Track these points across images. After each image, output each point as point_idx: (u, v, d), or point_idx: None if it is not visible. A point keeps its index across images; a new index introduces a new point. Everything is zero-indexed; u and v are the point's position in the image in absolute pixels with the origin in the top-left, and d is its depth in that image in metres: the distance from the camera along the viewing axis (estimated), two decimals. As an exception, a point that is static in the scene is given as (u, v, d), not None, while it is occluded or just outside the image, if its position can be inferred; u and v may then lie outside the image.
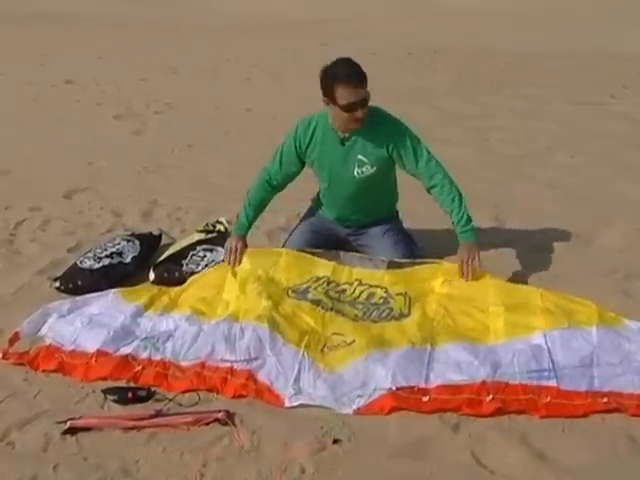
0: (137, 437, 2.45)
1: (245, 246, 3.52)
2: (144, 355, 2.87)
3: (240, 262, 3.43)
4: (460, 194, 3.36)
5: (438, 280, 3.22)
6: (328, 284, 3.26)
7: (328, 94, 3.30)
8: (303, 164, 3.60)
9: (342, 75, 3.24)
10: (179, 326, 3.02)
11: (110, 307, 3.18)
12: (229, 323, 2.96)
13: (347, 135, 3.43)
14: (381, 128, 3.41)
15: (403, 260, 3.41)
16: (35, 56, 12.10)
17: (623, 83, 8.92)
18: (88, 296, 3.29)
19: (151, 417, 2.52)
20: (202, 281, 3.40)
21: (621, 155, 5.78)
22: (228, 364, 2.76)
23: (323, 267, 3.36)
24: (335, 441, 2.39)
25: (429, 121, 6.62)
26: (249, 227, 3.61)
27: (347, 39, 14.00)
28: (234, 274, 3.35)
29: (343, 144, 3.45)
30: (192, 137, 6.78)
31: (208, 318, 3.07)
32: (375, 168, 3.47)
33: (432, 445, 2.39)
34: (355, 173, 3.47)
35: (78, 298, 3.29)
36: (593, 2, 18.17)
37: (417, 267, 3.33)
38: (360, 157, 3.44)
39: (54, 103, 8.62)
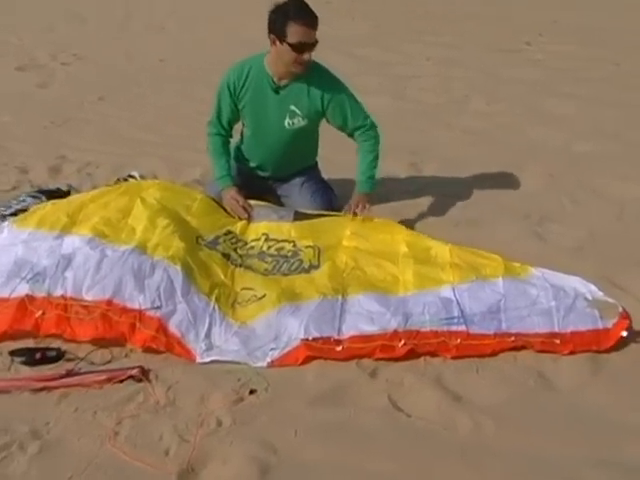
0: (47, 398, 2.39)
1: (242, 194, 3.43)
2: (42, 293, 2.73)
3: (250, 215, 3.36)
4: (378, 155, 3.46)
5: (346, 232, 3.23)
6: (237, 242, 3.22)
7: (278, 31, 3.21)
8: None
9: (298, 13, 3.19)
10: (79, 248, 2.89)
11: (6, 242, 3.03)
12: (138, 255, 2.86)
13: (283, 83, 3.38)
14: (318, 82, 3.37)
15: (309, 212, 3.40)
16: None
17: (539, 30, 9.06)
18: None
19: (62, 377, 2.45)
20: (105, 199, 3.27)
21: (536, 102, 5.89)
22: (136, 306, 2.69)
23: (233, 223, 3.33)
24: (252, 392, 2.40)
25: (347, 70, 6.51)
26: (231, 175, 3.52)
27: (264, -13, 13.70)
28: (143, 201, 3.22)
29: (277, 92, 3.40)
30: (102, 89, 6.53)
31: (112, 242, 2.95)
32: (306, 121, 3.44)
33: (350, 391, 2.42)
34: (286, 124, 3.43)
35: None
36: (510, -50, 18.27)
37: (323, 219, 3.34)
38: (293, 108, 3.40)
39: (-49, 55, 8.15)
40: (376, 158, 3.46)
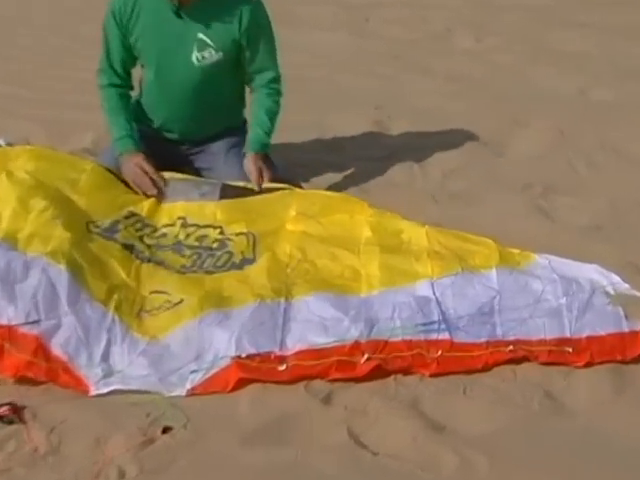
0: None
1: (151, 163, 3.44)
2: None
3: (161, 191, 3.37)
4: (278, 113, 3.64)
5: (290, 212, 3.26)
6: (143, 227, 3.23)
7: None
8: None
9: None
10: None
11: None
12: (5, 251, 2.85)
13: (185, 3, 3.39)
14: (233, 3, 3.43)
15: (241, 184, 3.43)
16: None
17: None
18: None
19: None
20: None
21: (541, 35, 5.98)
22: (4, 321, 2.66)
23: (137, 201, 3.33)
24: (165, 430, 2.40)
25: (290, -3, 6.60)
26: (134, 138, 3.53)
27: None
28: (9, 175, 3.19)
29: (179, 16, 3.41)
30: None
31: None
32: (221, 54, 3.47)
33: (297, 424, 2.45)
34: (194, 58, 3.45)
35: None
36: None
37: (259, 196, 3.37)
38: (202, 37, 3.43)
39: None
40: (277, 115, 3.62)
